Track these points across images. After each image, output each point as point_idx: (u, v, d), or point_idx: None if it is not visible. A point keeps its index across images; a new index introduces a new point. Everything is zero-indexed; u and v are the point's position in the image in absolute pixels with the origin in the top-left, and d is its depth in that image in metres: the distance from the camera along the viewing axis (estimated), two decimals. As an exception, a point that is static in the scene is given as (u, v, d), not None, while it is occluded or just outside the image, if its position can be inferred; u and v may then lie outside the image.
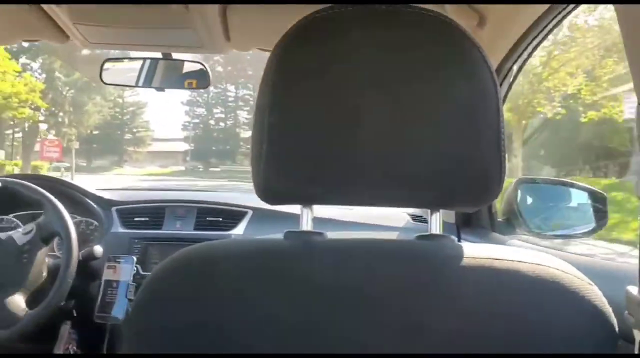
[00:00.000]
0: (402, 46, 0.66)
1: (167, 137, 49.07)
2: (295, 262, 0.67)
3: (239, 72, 42.38)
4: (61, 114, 36.62)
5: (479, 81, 0.65)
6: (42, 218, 1.61)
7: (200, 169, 40.72)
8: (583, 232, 1.44)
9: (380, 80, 0.65)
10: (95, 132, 42.31)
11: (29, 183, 1.68)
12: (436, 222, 0.75)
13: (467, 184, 0.68)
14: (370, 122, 0.65)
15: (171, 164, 45.00)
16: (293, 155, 0.67)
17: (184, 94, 43.89)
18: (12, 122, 30.23)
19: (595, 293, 0.66)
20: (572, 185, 1.87)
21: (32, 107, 26.09)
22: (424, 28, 0.66)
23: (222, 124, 45.41)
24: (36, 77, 31.62)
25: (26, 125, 30.19)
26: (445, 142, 0.66)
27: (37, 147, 30.07)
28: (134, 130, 45.59)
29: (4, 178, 1.74)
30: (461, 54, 0.65)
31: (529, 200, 1.76)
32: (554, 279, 0.65)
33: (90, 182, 2.12)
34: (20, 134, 32.73)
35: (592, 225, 1.40)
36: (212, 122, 45.63)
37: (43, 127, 32.13)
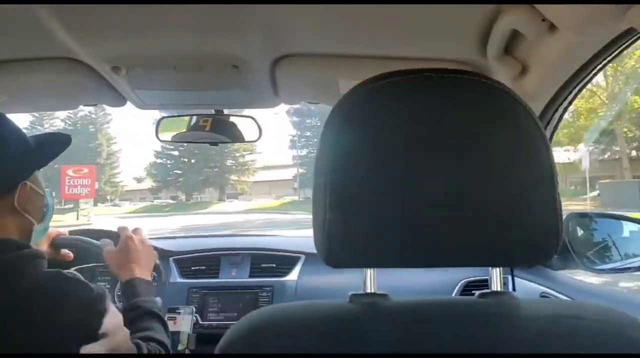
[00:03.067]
0: (453, 109, 0.68)
1: (270, 163, 45.01)
2: (363, 327, 0.68)
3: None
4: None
5: (527, 136, 0.67)
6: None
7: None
8: (638, 265, 1.42)
9: (435, 144, 0.67)
10: (185, 160, 40.34)
11: (91, 240, 1.75)
12: (497, 278, 0.76)
13: (526, 242, 0.69)
14: (428, 184, 0.67)
15: (283, 193, 40.84)
16: (355, 221, 0.69)
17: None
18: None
19: None
20: (624, 218, 1.85)
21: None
22: (471, 90, 0.69)
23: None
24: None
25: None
26: (503, 201, 0.68)
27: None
28: (237, 154, 40.93)
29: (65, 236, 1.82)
30: (508, 112, 0.68)
31: (580, 234, 1.75)
32: (631, 343, 0.64)
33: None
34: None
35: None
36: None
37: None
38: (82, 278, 1.08)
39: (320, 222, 0.70)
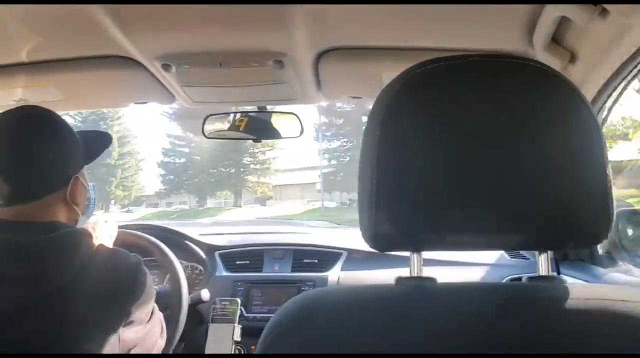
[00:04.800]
0: (502, 94, 0.68)
1: (300, 163, 39.16)
2: (411, 308, 0.68)
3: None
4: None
5: (580, 122, 0.67)
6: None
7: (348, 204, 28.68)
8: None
9: (487, 128, 0.67)
10: (197, 158, 34.55)
11: (140, 233, 1.82)
12: (545, 263, 0.75)
13: (575, 225, 0.68)
14: (479, 168, 0.67)
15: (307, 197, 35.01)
16: (402, 203, 0.69)
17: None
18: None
19: None
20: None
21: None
22: (521, 75, 0.68)
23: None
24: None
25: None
26: (554, 184, 0.67)
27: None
28: (255, 150, 33.91)
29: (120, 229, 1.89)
30: (560, 98, 0.67)
31: (631, 231, 1.70)
32: None
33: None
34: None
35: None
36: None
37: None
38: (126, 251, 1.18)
39: (367, 207, 0.70)
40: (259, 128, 1.84)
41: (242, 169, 34.50)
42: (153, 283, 1.23)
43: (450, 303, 0.69)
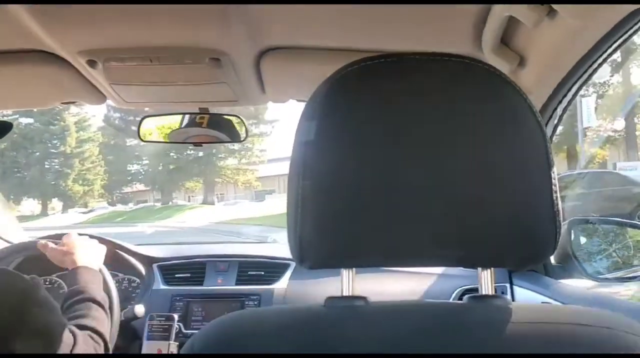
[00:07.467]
0: (441, 97, 0.62)
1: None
2: (337, 332, 0.62)
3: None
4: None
5: (525, 130, 0.61)
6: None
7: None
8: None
9: (420, 134, 0.61)
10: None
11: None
12: (487, 281, 0.69)
13: (520, 242, 0.63)
14: (412, 179, 0.61)
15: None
16: (330, 218, 0.63)
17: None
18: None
19: None
20: (630, 224, 1.77)
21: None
22: (465, 77, 0.62)
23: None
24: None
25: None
26: (495, 197, 0.61)
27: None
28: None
29: (35, 240, 1.75)
30: (504, 102, 0.62)
31: (583, 241, 1.67)
32: (629, 348, 0.58)
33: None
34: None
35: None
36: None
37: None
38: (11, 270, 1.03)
39: (293, 221, 0.64)
40: (201, 131, 1.74)
41: (213, 151, 25.65)
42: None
43: (380, 327, 0.62)
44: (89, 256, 1.42)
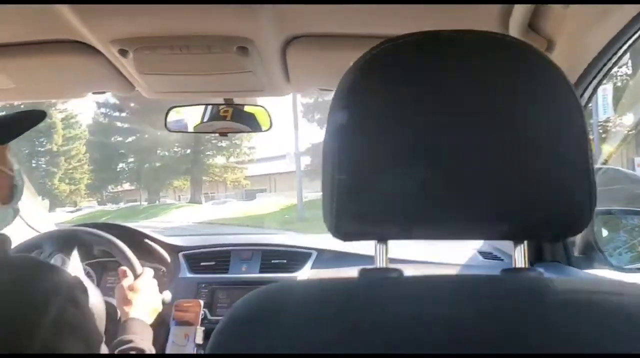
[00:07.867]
0: (478, 71, 0.62)
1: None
2: (373, 303, 0.62)
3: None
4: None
5: (562, 103, 0.62)
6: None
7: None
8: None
9: (455, 110, 0.62)
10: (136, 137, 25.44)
11: (99, 232, 1.72)
12: (521, 255, 0.69)
13: (555, 213, 0.63)
14: (446, 152, 0.62)
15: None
16: (366, 191, 0.64)
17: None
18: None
19: None
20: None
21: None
22: (499, 52, 0.63)
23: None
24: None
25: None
26: (530, 169, 0.62)
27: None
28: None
29: (76, 227, 1.80)
30: (543, 78, 0.62)
31: (606, 232, 1.67)
32: None
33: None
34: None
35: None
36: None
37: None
38: (54, 264, 1.01)
39: (329, 194, 0.65)
40: (226, 121, 1.76)
41: (201, 148, 24.96)
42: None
43: (417, 295, 0.62)
44: (146, 308, 1.48)
